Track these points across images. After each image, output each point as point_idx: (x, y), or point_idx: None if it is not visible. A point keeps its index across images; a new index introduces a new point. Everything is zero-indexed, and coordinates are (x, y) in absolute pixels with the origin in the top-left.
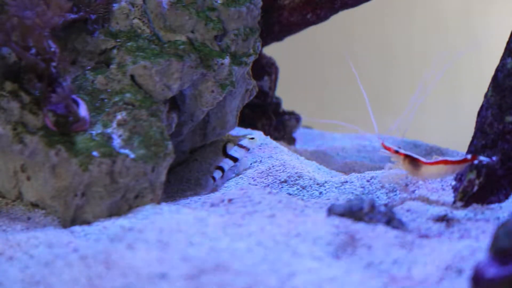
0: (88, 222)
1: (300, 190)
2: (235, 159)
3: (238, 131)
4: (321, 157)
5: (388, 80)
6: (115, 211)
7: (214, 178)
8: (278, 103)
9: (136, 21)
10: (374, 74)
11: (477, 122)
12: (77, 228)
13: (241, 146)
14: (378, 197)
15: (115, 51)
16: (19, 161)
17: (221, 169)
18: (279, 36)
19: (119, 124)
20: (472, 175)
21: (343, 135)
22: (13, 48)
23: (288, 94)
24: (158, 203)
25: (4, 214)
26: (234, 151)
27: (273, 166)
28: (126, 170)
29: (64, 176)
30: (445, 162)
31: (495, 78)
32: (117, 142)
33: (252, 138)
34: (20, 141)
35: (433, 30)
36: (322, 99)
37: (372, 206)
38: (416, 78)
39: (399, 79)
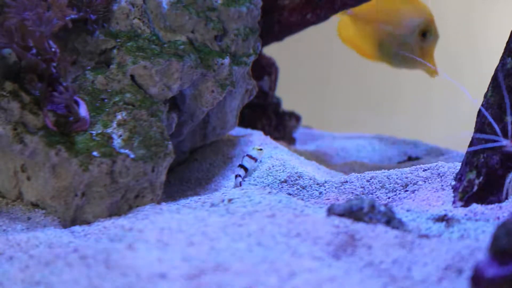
0: (88, 222)
1: (300, 190)
2: (246, 169)
3: (238, 131)
4: (321, 157)
5: (389, 80)
6: (115, 211)
7: (240, 184)
8: (278, 103)
9: (136, 21)
10: (374, 74)
11: (477, 122)
12: (77, 228)
13: (251, 157)
14: (378, 197)
15: (115, 51)
16: (19, 161)
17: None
18: (279, 36)
19: (119, 124)
20: (472, 175)
21: (343, 135)
22: (15, 49)
23: (288, 94)
24: (158, 203)
25: (4, 214)
26: (246, 161)
27: (273, 166)
28: (126, 170)
29: (64, 176)
30: None
31: (495, 78)
32: (117, 142)
33: (260, 149)
34: (20, 141)
35: None
36: (322, 99)
37: (372, 206)
38: (416, 77)
39: (399, 79)
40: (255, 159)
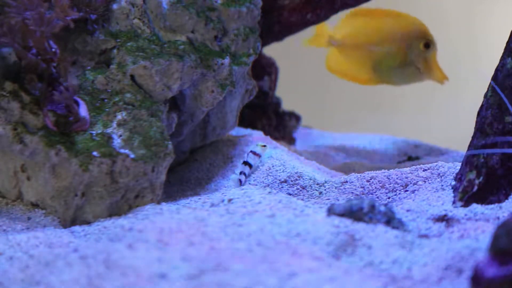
0: (88, 222)
1: (300, 190)
2: (251, 166)
3: (238, 131)
4: (321, 157)
5: None
6: (115, 211)
7: (240, 181)
8: (278, 103)
9: (136, 21)
10: None
11: (477, 122)
12: (77, 228)
13: (255, 154)
14: (378, 197)
15: (115, 51)
16: (19, 161)
17: (244, 174)
18: (279, 36)
19: (119, 124)
20: (472, 175)
21: (343, 135)
22: (16, 48)
23: (288, 94)
24: (158, 203)
25: (4, 214)
26: (250, 158)
27: (273, 166)
28: (126, 170)
29: (64, 176)
30: None
31: (495, 78)
32: (117, 142)
33: (264, 146)
34: (20, 141)
35: (433, 30)
36: (322, 99)
37: (372, 206)
38: None
39: None
40: (259, 156)
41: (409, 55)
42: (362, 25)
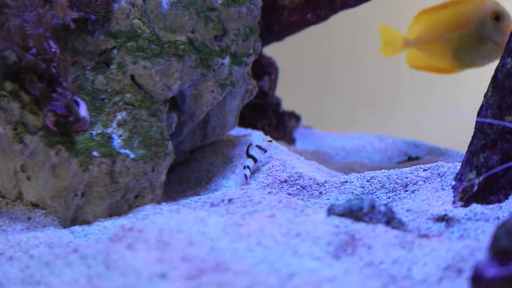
0: (88, 222)
1: (300, 190)
2: (255, 160)
3: (238, 131)
4: (321, 157)
5: (390, 79)
6: (115, 211)
7: (246, 176)
8: (278, 103)
9: (136, 21)
10: (374, 74)
11: (477, 122)
12: (77, 228)
13: (260, 148)
14: (378, 197)
15: (115, 51)
16: (19, 161)
17: (248, 168)
18: (279, 36)
19: (119, 124)
20: (472, 175)
21: (343, 135)
22: (15, 50)
23: (288, 94)
24: (158, 203)
25: (4, 214)
26: (254, 152)
27: (273, 166)
28: (126, 170)
29: (64, 176)
30: None
31: (495, 78)
32: (117, 142)
33: (270, 141)
34: (20, 141)
35: None
36: (322, 99)
37: (372, 206)
38: (418, 77)
39: (401, 78)
40: (264, 150)
41: (482, 32)
42: (433, 19)
